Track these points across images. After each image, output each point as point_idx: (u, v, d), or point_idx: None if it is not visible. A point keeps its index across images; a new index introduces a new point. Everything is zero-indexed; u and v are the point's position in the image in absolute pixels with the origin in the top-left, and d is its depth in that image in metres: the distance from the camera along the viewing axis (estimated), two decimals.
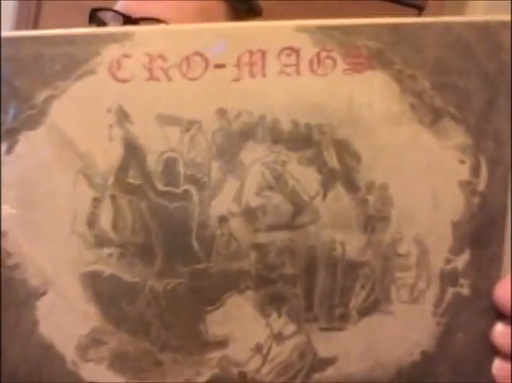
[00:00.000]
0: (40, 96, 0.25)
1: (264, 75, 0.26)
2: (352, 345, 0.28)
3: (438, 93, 0.26)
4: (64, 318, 0.27)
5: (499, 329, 0.28)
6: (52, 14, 1.00)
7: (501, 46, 0.26)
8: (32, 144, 0.26)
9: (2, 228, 0.26)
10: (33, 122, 0.26)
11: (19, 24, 0.99)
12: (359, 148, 0.26)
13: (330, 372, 0.29)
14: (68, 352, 0.28)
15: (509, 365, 0.29)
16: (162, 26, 0.27)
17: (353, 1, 1.00)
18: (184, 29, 0.25)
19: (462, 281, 0.28)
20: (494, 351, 0.29)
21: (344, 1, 1.00)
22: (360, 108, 0.26)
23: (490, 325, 0.29)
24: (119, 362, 0.28)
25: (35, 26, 0.99)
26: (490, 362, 0.29)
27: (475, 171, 0.27)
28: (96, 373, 0.28)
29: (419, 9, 1.03)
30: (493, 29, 0.26)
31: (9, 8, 1.03)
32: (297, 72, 0.26)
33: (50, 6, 1.00)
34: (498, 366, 0.29)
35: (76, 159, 0.26)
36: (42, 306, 0.27)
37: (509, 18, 0.27)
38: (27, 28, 0.98)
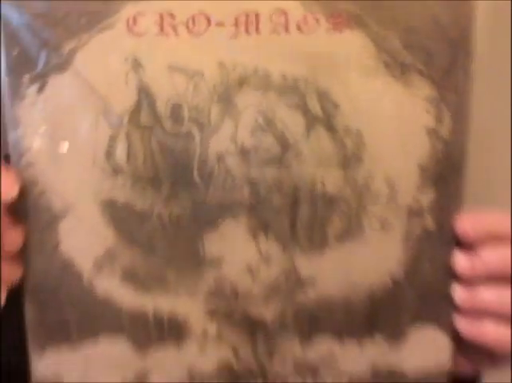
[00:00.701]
0: (66, 47, 0.30)
1: (258, 33, 0.30)
2: (330, 268, 0.33)
3: (408, 52, 0.31)
4: (83, 239, 0.32)
5: (459, 257, 0.33)
6: None
7: (462, 14, 0.30)
8: (59, 88, 0.30)
9: (33, 159, 0.31)
10: (60, 69, 0.30)
11: None
12: (338, 98, 0.31)
13: (310, 292, 0.34)
14: (86, 268, 0.33)
15: (469, 291, 0.33)
16: None
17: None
18: None
19: (427, 215, 0.33)
20: (456, 278, 0.33)
21: None
22: (340, 63, 0.30)
23: (451, 255, 0.33)
24: (129, 276, 0.33)
25: None
26: (451, 286, 0.34)
27: (439, 119, 0.31)
28: (110, 286, 0.33)
29: None
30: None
31: None
32: (286, 31, 0.30)
33: None
34: (460, 292, 0.33)
35: (96, 101, 0.30)
36: (64, 228, 0.32)
37: None
38: None
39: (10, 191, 0.30)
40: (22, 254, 0.32)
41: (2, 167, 0.30)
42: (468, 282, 0.33)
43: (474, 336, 0.33)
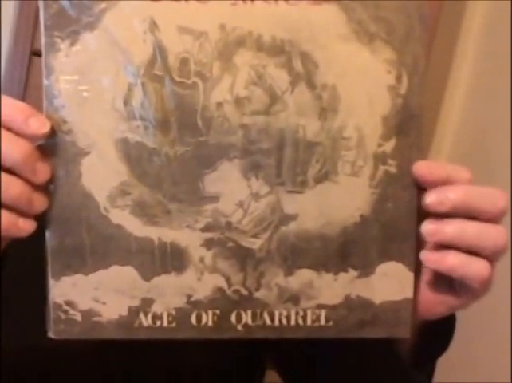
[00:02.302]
0: (97, 8, 0.36)
1: (253, 3, 0.37)
2: (309, 205, 0.39)
3: (373, 23, 0.38)
4: (101, 173, 0.38)
5: (429, 194, 0.38)
6: None
7: None
8: (88, 43, 0.37)
9: (63, 101, 0.37)
10: (90, 26, 0.37)
11: (19, 24, 0.99)
12: (317, 58, 0.38)
13: (292, 226, 0.39)
14: (102, 199, 0.38)
15: (435, 224, 0.38)
16: None
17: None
18: None
19: (390, 161, 0.39)
20: (424, 215, 0.39)
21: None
22: (319, 30, 0.37)
23: (412, 197, 0.39)
24: (138, 209, 0.38)
25: (35, 26, 0.99)
26: (413, 226, 0.39)
27: (399, 78, 0.38)
28: (121, 217, 0.38)
29: None
30: None
31: (9, 8, 1.03)
32: (276, 2, 0.37)
33: None
34: (427, 226, 0.38)
35: (119, 54, 0.37)
36: (85, 163, 0.38)
37: None
38: (27, 28, 0.98)
39: (43, 127, 0.36)
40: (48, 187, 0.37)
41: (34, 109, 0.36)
42: (434, 217, 0.38)
43: (436, 265, 0.38)
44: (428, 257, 0.38)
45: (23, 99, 0.99)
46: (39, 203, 0.37)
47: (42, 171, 0.36)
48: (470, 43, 1.10)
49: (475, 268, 0.37)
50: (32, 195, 0.36)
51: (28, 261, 0.41)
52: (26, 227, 0.36)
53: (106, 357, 0.50)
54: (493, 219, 0.37)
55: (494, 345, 0.85)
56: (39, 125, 0.36)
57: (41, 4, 0.36)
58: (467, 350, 0.87)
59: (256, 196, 0.39)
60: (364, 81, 0.38)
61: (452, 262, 0.37)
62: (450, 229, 0.37)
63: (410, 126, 0.39)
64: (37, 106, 1.13)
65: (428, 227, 0.38)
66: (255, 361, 0.58)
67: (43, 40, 0.37)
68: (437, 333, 0.45)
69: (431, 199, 0.37)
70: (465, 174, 0.38)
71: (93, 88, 0.37)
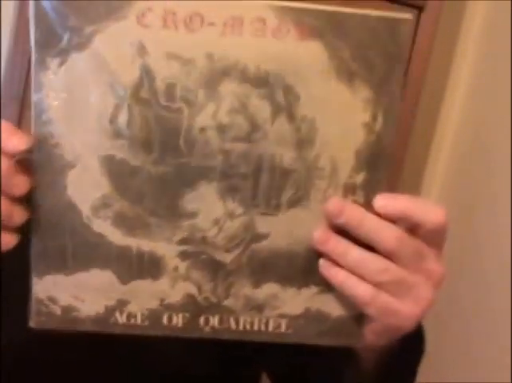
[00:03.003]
0: (88, 30, 0.37)
1: (241, 34, 0.38)
2: (280, 227, 0.42)
3: (354, 62, 0.39)
4: (85, 185, 0.40)
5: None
6: None
7: (400, 34, 0.39)
8: (77, 62, 0.38)
9: (51, 116, 0.38)
10: (80, 47, 0.37)
11: (19, 24, 0.98)
12: (299, 92, 0.39)
13: (263, 244, 0.42)
14: (85, 209, 0.40)
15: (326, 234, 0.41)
16: None
17: (353, 0, 0.99)
18: None
19: (358, 192, 0.42)
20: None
21: (345, 2, 1.00)
22: (302, 65, 0.39)
23: None
24: (119, 221, 0.41)
25: None
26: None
27: (374, 116, 0.40)
28: (103, 226, 0.41)
29: (419, 9, 1.01)
30: (396, 22, 0.39)
31: (9, 8, 1.02)
32: (263, 35, 0.38)
33: None
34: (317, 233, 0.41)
35: (107, 75, 0.38)
36: (71, 175, 0.40)
37: (408, 16, 0.39)
38: (27, 28, 0.99)
39: (20, 144, 0.37)
40: (29, 198, 0.39)
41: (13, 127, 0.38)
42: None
43: (327, 275, 0.41)
44: (324, 266, 0.42)
45: (23, 99, 0.98)
46: (18, 215, 0.39)
47: (21, 185, 0.38)
48: (470, 43, 1.10)
49: (359, 290, 0.40)
50: (12, 209, 0.38)
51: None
52: (8, 240, 0.38)
53: (97, 360, 0.54)
54: (430, 232, 0.40)
55: (494, 345, 0.86)
56: (19, 143, 0.37)
57: (31, 22, 0.37)
58: (467, 350, 0.89)
59: (231, 216, 0.41)
60: (341, 117, 0.40)
61: (341, 278, 0.41)
62: (334, 244, 0.41)
63: (380, 161, 0.41)
64: None
65: (318, 235, 0.41)
66: (246, 367, 0.61)
67: (33, 56, 0.38)
68: (401, 356, 0.48)
69: (377, 202, 0.41)
70: (435, 216, 0.40)
71: (80, 105, 0.38)
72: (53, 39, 0.37)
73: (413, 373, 0.51)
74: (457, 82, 1.12)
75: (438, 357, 0.85)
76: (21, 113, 0.99)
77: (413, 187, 1.13)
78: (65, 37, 0.37)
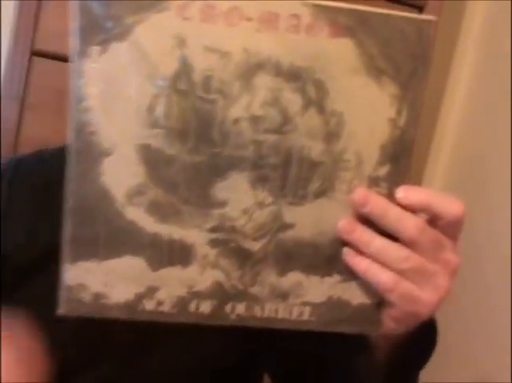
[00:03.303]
0: (129, 20, 0.38)
1: (276, 30, 0.40)
2: (306, 216, 0.43)
3: (383, 59, 0.41)
4: (120, 173, 0.41)
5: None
6: (52, 14, 0.99)
7: (424, 34, 0.41)
8: (118, 52, 0.39)
9: (90, 104, 0.39)
10: (121, 37, 0.38)
11: (19, 24, 0.99)
12: (328, 87, 0.41)
13: (289, 233, 0.43)
14: (119, 196, 0.41)
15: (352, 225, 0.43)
16: None
17: (353, 1, 0.99)
18: None
19: (382, 184, 0.43)
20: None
21: (345, 2, 1.01)
22: (333, 61, 0.41)
23: None
24: (152, 208, 0.42)
25: (35, 26, 0.98)
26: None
27: (399, 112, 0.42)
28: (136, 213, 0.42)
29: (419, 9, 1.03)
30: (421, 23, 0.41)
31: (9, 8, 1.02)
32: (297, 31, 0.40)
33: (50, 6, 0.99)
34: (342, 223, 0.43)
35: (146, 65, 0.39)
36: (107, 162, 0.40)
37: (431, 17, 0.41)
38: (27, 28, 0.98)
39: None
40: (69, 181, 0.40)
41: None
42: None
43: (351, 263, 0.43)
44: (348, 254, 0.44)
45: (23, 99, 1.00)
46: None
47: None
48: (470, 43, 1.11)
49: (383, 277, 0.42)
50: None
51: None
52: None
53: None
54: (449, 224, 0.43)
55: (494, 345, 0.88)
56: None
57: (76, 10, 0.38)
58: (467, 350, 0.91)
59: (261, 205, 0.43)
60: (368, 112, 0.42)
61: (365, 266, 0.43)
62: (359, 233, 0.43)
63: (403, 154, 0.43)
64: (37, 106, 1.10)
65: (343, 224, 0.43)
66: (251, 362, 0.62)
67: (75, 44, 0.38)
68: (414, 346, 0.50)
69: (399, 193, 0.43)
70: (455, 208, 0.42)
71: (119, 94, 0.39)
72: (95, 28, 0.38)
73: (424, 363, 0.53)
74: (457, 82, 1.13)
75: (438, 358, 0.86)
76: (21, 113, 0.99)
77: None
78: (107, 26, 0.38)
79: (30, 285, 0.60)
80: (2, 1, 1.04)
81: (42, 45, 1.00)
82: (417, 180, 1.18)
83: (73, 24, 0.38)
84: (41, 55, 1.00)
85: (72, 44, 0.39)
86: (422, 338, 0.49)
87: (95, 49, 0.39)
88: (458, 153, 1.11)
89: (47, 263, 0.58)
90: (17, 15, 0.98)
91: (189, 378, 0.59)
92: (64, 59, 0.98)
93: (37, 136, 1.00)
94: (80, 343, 0.58)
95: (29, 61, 0.99)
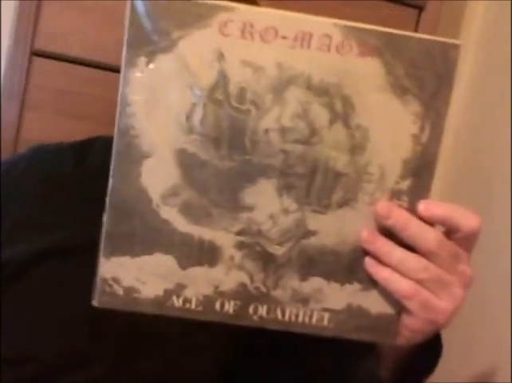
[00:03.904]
0: (174, 35, 0.42)
1: (309, 48, 0.43)
2: (329, 225, 0.46)
3: (408, 79, 0.44)
4: (158, 174, 0.44)
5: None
6: (52, 14, 0.99)
7: (449, 57, 0.44)
8: (162, 63, 0.42)
9: (134, 110, 0.43)
10: (166, 50, 0.42)
11: (19, 24, 0.98)
12: (355, 102, 0.44)
13: (312, 240, 0.46)
14: (155, 196, 0.44)
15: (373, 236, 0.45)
16: (254, 7, 0.43)
17: (354, 1, 0.99)
18: (267, 11, 0.42)
19: (403, 197, 0.46)
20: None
21: (345, 2, 0.99)
22: (361, 78, 0.43)
23: None
24: (185, 209, 0.45)
25: (35, 26, 0.98)
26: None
27: (422, 129, 0.45)
28: (170, 213, 0.45)
29: (419, 9, 1.04)
30: (447, 46, 0.44)
31: (10, 8, 1.01)
32: (328, 50, 0.43)
33: (50, 6, 0.99)
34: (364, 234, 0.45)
35: (187, 76, 0.42)
36: (146, 164, 0.44)
37: (458, 42, 0.44)
38: (27, 28, 0.98)
39: None
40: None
41: None
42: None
43: (373, 271, 0.45)
44: (370, 264, 0.45)
45: (23, 99, 0.99)
46: None
47: None
48: (470, 43, 1.10)
49: (402, 285, 0.44)
50: None
51: None
52: None
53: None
54: (466, 236, 0.45)
55: (494, 345, 0.87)
56: None
57: (126, 22, 0.42)
58: (468, 350, 0.91)
59: (286, 211, 0.45)
60: (392, 128, 0.44)
61: (386, 274, 0.45)
62: (380, 244, 0.45)
63: (425, 169, 0.45)
64: (37, 106, 1.13)
65: (365, 235, 0.45)
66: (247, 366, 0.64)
67: (124, 55, 0.42)
68: (421, 355, 0.52)
69: (420, 206, 0.45)
70: (473, 222, 0.44)
71: (161, 102, 0.43)
72: (143, 40, 0.42)
73: (429, 372, 0.55)
74: (457, 82, 1.14)
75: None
76: (21, 113, 0.99)
77: None
78: (154, 39, 0.42)
79: (26, 279, 0.62)
80: (2, 2, 1.03)
81: (42, 45, 0.99)
82: None
83: (125, 35, 0.42)
84: (41, 55, 1.00)
85: (123, 54, 0.42)
86: (428, 348, 0.50)
87: (142, 60, 0.42)
88: (458, 153, 1.10)
89: (47, 257, 0.61)
90: (17, 15, 0.98)
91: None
92: (64, 59, 1.00)
93: (37, 136, 0.99)
94: (71, 340, 0.60)
95: (29, 61, 0.99)
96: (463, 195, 1.01)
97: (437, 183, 1.20)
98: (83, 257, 0.61)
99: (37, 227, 0.64)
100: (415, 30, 1.02)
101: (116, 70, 0.44)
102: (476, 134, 1.07)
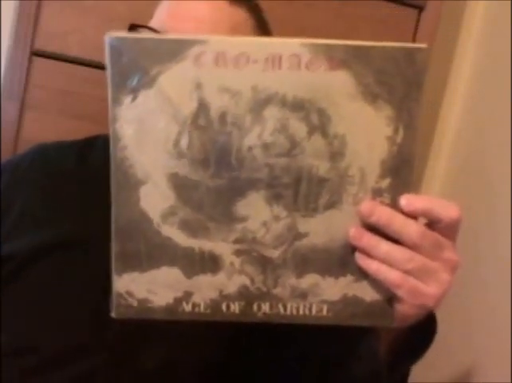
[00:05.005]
0: (154, 71, 0.45)
1: (280, 68, 0.45)
2: (318, 226, 0.49)
3: (377, 86, 0.46)
4: (155, 198, 0.48)
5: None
6: (52, 14, 1.00)
7: (416, 60, 0.46)
8: (146, 98, 0.46)
9: (126, 143, 0.46)
10: (148, 85, 0.45)
11: (19, 24, 0.99)
12: (330, 114, 0.46)
13: (304, 241, 0.50)
14: (155, 217, 0.48)
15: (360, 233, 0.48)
16: (224, 37, 0.46)
17: (354, 1, 0.97)
18: (236, 39, 0.45)
19: (384, 194, 0.49)
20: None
21: (345, 2, 0.97)
22: (333, 91, 0.46)
23: None
24: (184, 226, 0.49)
25: (35, 26, 0.99)
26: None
27: (396, 131, 0.47)
28: (170, 231, 0.49)
29: (419, 9, 1.04)
30: (412, 50, 0.46)
31: (10, 8, 1.03)
32: (299, 68, 0.45)
33: (50, 6, 0.99)
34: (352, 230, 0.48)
35: (170, 107, 0.46)
36: (143, 190, 0.48)
37: (424, 45, 0.46)
38: (27, 28, 0.99)
39: None
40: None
41: None
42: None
43: (363, 265, 0.49)
44: (360, 257, 0.49)
45: (23, 99, 1.00)
46: None
47: None
48: (470, 43, 1.10)
49: (392, 275, 0.48)
50: None
51: None
52: None
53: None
54: (447, 226, 0.48)
55: (494, 345, 0.89)
56: None
57: (108, 64, 0.45)
58: (468, 350, 0.92)
59: (277, 218, 0.49)
60: (367, 132, 0.47)
61: (376, 266, 0.48)
62: (367, 240, 0.48)
63: (402, 168, 0.48)
64: (37, 106, 1.15)
65: (353, 232, 0.48)
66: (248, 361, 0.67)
67: (110, 94, 0.46)
68: (414, 339, 0.55)
69: (402, 201, 0.48)
70: (452, 212, 0.47)
71: (149, 133, 0.46)
72: (125, 80, 0.45)
73: (422, 352, 0.59)
74: (457, 82, 1.13)
75: (438, 357, 0.86)
76: (21, 113, 1.01)
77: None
78: (136, 78, 0.45)
79: (29, 272, 0.66)
80: (2, 2, 1.04)
81: (42, 45, 1.00)
82: (417, 181, 1.17)
83: (108, 76, 0.45)
84: (41, 55, 1.01)
85: (108, 93, 0.46)
86: (421, 329, 0.54)
87: (126, 98, 0.46)
88: (458, 153, 1.11)
89: (50, 250, 0.65)
90: (17, 15, 0.99)
91: (182, 375, 0.65)
92: (64, 59, 1.01)
93: (37, 136, 1.00)
94: (71, 332, 0.64)
95: (29, 61, 1.00)
96: (464, 195, 1.01)
97: (437, 183, 1.20)
98: (85, 250, 0.66)
99: (40, 221, 0.68)
100: (415, 30, 1.02)
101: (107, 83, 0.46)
102: (476, 134, 1.07)
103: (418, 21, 1.02)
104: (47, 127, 1.01)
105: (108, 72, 0.45)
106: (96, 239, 0.61)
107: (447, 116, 1.15)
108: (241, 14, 0.67)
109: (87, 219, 0.66)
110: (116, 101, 0.46)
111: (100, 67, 1.00)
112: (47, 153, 0.74)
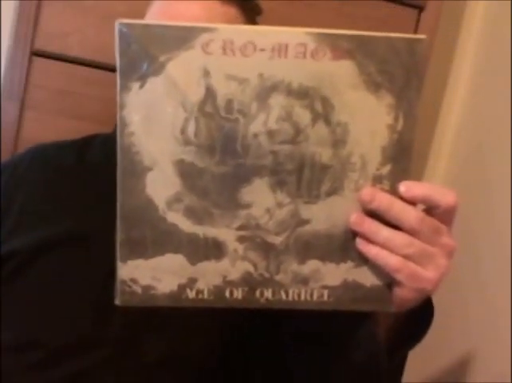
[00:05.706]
0: (162, 58, 0.46)
1: (286, 57, 0.46)
2: (320, 213, 0.50)
3: (379, 75, 0.48)
4: (161, 185, 0.49)
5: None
6: (52, 14, 1.00)
7: (416, 51, 0.48)
8: (154, 85, 0.46)
9: (133, 129, 0.47)
10: (156, 72, 0.46)
11: (19, 24, 0.99)
12: (333, 102, 0.48)
13: (306, 228, 0.51)
14: (161, 204, 0.49)
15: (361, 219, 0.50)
16: (233, 25, 0.47)
17: (354, 0, 0.97)
18: (244, 28, 0.46)
19: (385, 181, 0.50)
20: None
21: (345, 2, 0.97)
22: (336, 80, 0.47)
23: None
24: (188, 212, 0.49)
25: (35, 26, 0.99)
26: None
27: (396, 119, 0.49)
28: (176, 217, 0.49)
29: (419, 9, 1.05)
30: (411, 41, 0.47)
31: (10, 8, 1.03)
32: (304, 57, 0.47)
33: (50, 6, 0.99)
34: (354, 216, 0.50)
35: (178, 94, 0.46)
36: (149, 176, 0.48)
37: (423, 36, 0.48)
38: (27, 28, 0.99)
39: None
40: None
41: None
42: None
43: (364, 250, 0.50)
44: (361, 243, 0.50)
45: (23, 99, 1.01)
46: None
47: None
48: (470, 43, 1.12)
49: (391, 260, 0.49)
50: None
51: None
52: None
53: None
54: (444, 212, 0.49)
55: (494, 346, 0.89)
56: None
57: (117, 51, 0.45)
58: (468, 349, 0.92)
59: (280, 205, 0.50)
60: (369, 120, 0.49)
61: (376, 251, 0.50)
62: (367, 225, 0.49)
63: (402, 155, 0.50)
64: (37, 106, 1.15)
65: (353, 218, 0.50)
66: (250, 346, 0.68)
67: (118, 81, 0.46)
68: (412, 324, 0.57)
69: (401, 188, 0.49)
70: (449, 198, 0.49)
71: (157, 120, 0.47)
72: (134, 67, 0.46)
73: (419, 338, 0.60)
74: (457, 82, 1.15)
75: (437, 356, 0.88)
76: (21, 113, 1.01)
77: None
78: (145, 64, 0.46)
79: (32, 267, 0.66)
80: (2, 2, 1.04)
81: (42, 45, 1.00)
82: (418, 179, 1.20)
83: (117, 63, 0.46)
84: (41, 55, 1.01)
85: (117, 80, 0.46)
86: (419, 314, 0.56)
87: (135, 84, 0.46)
88: (458, 153, 1.13)
89: (53, 246, 0.65)
90: (17, 15, 0.99)
91: (184, 367, 0.65)
92: (64, 59, 1.01)
93: (37, 136, 1.00)
94: (75, 326, 0.64)
95: (29, 61, 1.00)
96: (464, 194, 0.99)
97: (438, 181, 1.20)
98: (85, 246, 0.66)
99: (40, 218, 0.68)
100: (415, 30, 1.04)
101: (116, 70, 0.47)
102: (476, 133, 1.08)
103: (418, 21, 1.03)
104: (47, 127, 1.01)
105: (117, 58, 0.46)
106: (96, 235, 0.62)
107: (447, 116, 1.16)
108: (232, 13, 0.69)
109: (87, 215, 0.66)
110: (124, 88, 0.46)
111: (100, 67, 1.01)
112: (46, 152, 0.74)
